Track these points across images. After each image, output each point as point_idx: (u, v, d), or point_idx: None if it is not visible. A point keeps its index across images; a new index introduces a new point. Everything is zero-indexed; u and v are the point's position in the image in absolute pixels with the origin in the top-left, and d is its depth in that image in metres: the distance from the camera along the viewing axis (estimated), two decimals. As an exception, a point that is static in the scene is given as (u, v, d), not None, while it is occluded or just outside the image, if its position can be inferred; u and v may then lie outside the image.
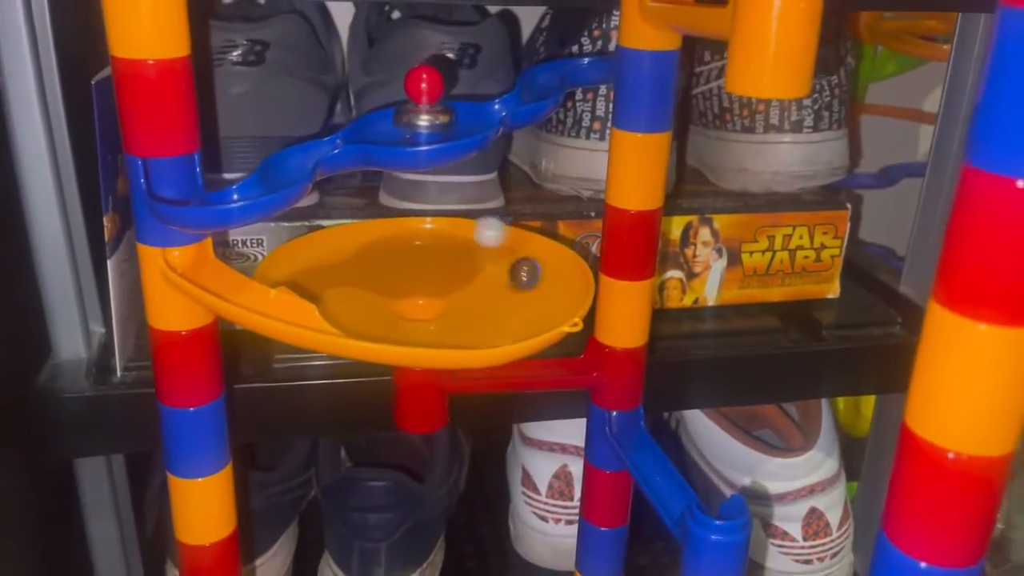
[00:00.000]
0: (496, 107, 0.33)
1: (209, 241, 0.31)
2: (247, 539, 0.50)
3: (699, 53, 0.51)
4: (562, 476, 0.54)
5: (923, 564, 0.21)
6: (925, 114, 0.71)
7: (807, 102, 0.47)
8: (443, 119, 0.31)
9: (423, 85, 0.31)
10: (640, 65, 0.32)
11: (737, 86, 0.25)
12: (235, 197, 0.28)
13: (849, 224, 0.50)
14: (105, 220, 0.38)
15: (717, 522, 0.30)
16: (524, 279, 0.35)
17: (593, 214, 0.46)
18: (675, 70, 0.33)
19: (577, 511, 0.54)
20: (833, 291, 0.51)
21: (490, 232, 0.37)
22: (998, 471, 0.19)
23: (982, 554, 0.21)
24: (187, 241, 0.30)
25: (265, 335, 0.29)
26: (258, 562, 0.51)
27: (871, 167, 0.72)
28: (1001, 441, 0.19)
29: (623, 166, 0.34)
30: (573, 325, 0.31)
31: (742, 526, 0.30)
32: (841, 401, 0.67)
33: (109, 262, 0.39)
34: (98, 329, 0.43)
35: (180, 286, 0.29)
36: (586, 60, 0.36)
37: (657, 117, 0.33)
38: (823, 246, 0.49)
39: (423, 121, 0.31)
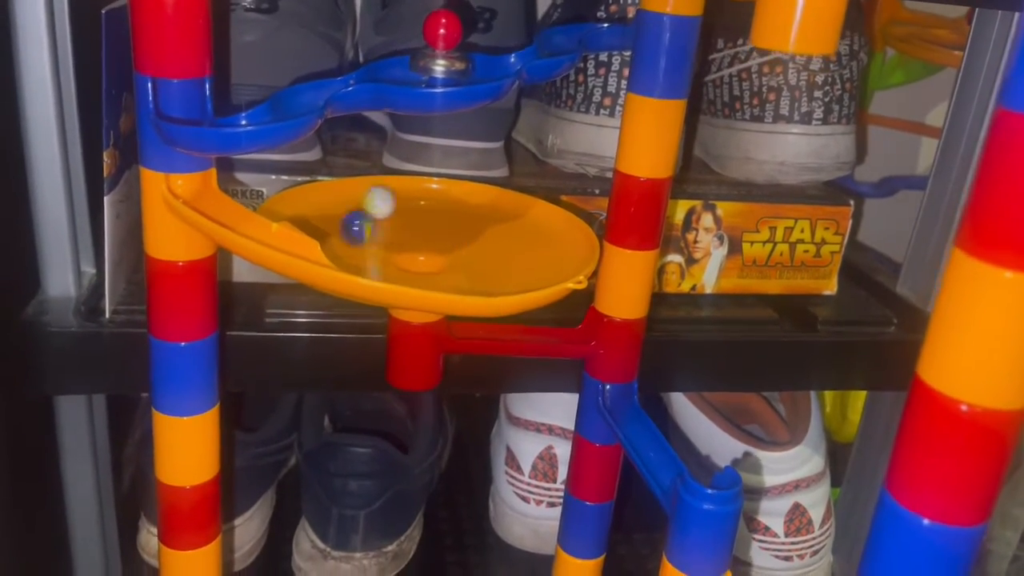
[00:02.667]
0: (512, 60, 0.33)
1: (214, 171, 0.30)
2: (226, 499, 0.49)
3: (712, 40, 0.51)
4: (547, 457, 0.54)
5: (926, 520, 0.20)
6: (928, 127, 0.71)
7: (818, 94, 0.47)
8: (460, 66, 0.31)
9: (441, 31, 0.30)
10: (660, 29, 0.32)
11: (763, 40, 0.25)
12: (244, 122, 0.28)
13: (851, 222, 0.50)
14: (105, 155, 0.38)
15: (709, 491, 0.30)
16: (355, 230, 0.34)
17: (598, 191, 0.46)
18: (695, 37, 0.33)
19: (560, 494, 0.54)
20: (830, 288, 0.51)
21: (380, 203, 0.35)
22: (1012, 426, 0.19)
23: (988, 514, 0.20)
24: (191, 168, 0.29)
25: (265, 267, 0.29)
26: (234, 523, 0.50)
27: (870, 176, 0.72)
28: (1017, 394, 0.19)
29: (636, 131, 0.34)
30: (578, 282, 0.31)
31: (734, 496, 0.30)
32: (827, 404, 0.67)
33: (106, 199, 0.38)
34: (89, 270, 0.42)
35: (182, 213, 0.29)
36: (605, 25, 0.36)
37: (674, 83, 0.33)
38: (824, 241, 0.49)
39: (439, 66, 0.30)
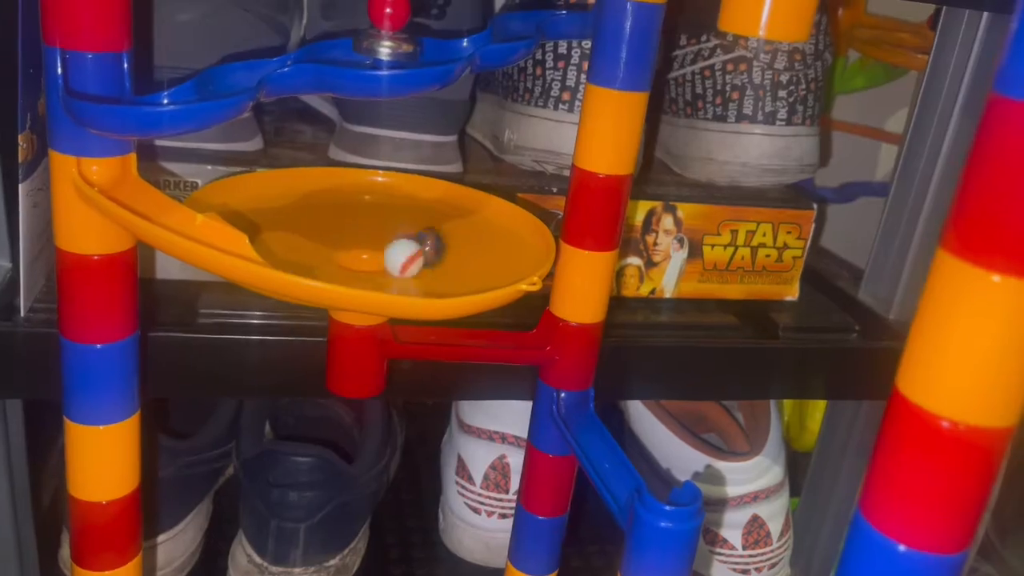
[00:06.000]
0: (465, 44, 0.31)
1: (133, 157, 0.27)
2: (151, 512, 0.46)
3: (674, 37, 0.49)
4: (499, 467, 0.52)
5: (902, 547, 0.19)
6: (887, 134, 0.71)
7: (782, 93, 0.46)
8: (407, 48, 0.28)
9: (388, 9, 0.28)
10: (622, 15, 0.30)
11: (731, 24, 0.23)
12: (165, 101, 0.25)
13: (814, 226, 0.48)
14: (20, 139, 0.34)
15: (667, 508, 0.28)
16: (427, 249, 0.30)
17: (555, 190, 0.44)
18: (658, 25, 0.31)
19: (512, 505, 0.51)
20: (792, 293, 0.49)
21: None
22: (997, 446, 0.18)
23: (969, 541, 0.19)
24: (108, 152, 0.27)
25: (188, 262, 0.26)
26: (162, 538, 0.47)
27: (830, 182, 0.72)
28: (1004, 410, 0.17)
29: (595, 124, 0.32)
30: (531, 284, 0.29)
31: (694, 513, 0.28)
32: (786, 413, 0.66)
33: (21, 187, 0.35)
34: (4, 264, 0.39)
35: (95, 201, 0.26)
36: (563, 12, 0.34)
37: (635, 74, 0.31)
38: (786, 246, 0.48)
39: (385, 48, 0.28)
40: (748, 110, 0.46)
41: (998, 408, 0.17)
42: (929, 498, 0.18)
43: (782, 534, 0.52)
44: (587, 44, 0.43)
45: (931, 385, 0.18)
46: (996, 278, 0.16)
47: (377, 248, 0.33)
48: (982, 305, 0.17)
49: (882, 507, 0.19)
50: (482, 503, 0.52)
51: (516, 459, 0.52)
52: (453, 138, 0.44)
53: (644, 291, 0.47)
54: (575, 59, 0.43)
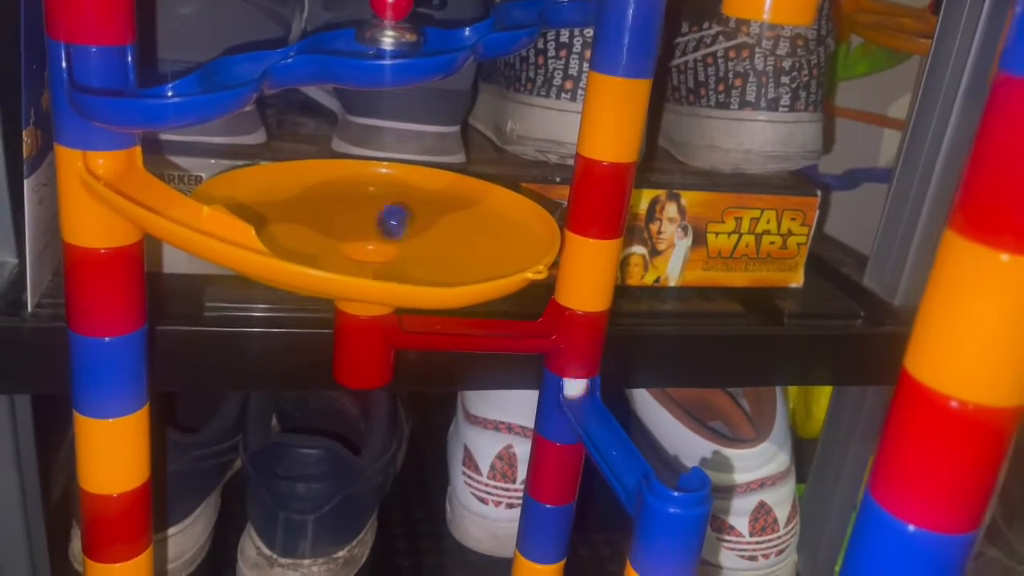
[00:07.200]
0: (467, 33, 0.31)
1: (138, 150, 0.27)
2: (161, 505, 0.46)
3: (676, 25, 0.49)
4: (505, 457, 0.52)
5: (911, 527, 0.19)
6: (890, 120, 0.70)
7: (785, 80, 0.46)
8: (410, 38, 0.28)
9: (390, -1, 0.28)
10: (625, 2, 0.30)
11: (735, 8, 0.23)
12: (170, 93, 0.25)
13: (818, 213, 0.48)
14: (24, 134, 0.35)
15: (675, 494, 0.28)
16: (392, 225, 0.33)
17: (559, 179, 0.44)
18: (661, 12, 0.31)
19: (519, 495, 0.52)
20: (796, 280, 0.49)
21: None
22: (1006, 425, 0.18)
23: (979, 521, 0.19)
24: (113, 145, 0.27)
25: (195, 254, 0.26)
26: (172, 531, 0.47)
27: (834, 168, 0.71)
28: (1013, 390, 0.17)
29: (599, 112, 0.32)
30: (537, 272, 0.29)
31: (702, 499, 0.28)
32: (791, 399, 0.66)
33: (26, 183, 0.35)
34: (10, 260, 0.39)
35: (102, 195, 0.26)
36: (566, 0, 0.34)
37: (639, 61, 0.31)
38: (790, 232, 0.48)
39: (388, 37, 0.28)
40: (751, 97, 0.46)
41: (1007, 388, 0.17)
42: (938, 478, 0.18)
43: (789, 520, 0.52)
44: (589, 32, 0.43)
45: (940, 365, 0.18)
46: (1004, 257, 0.16)
47: (383, 239, 0.33)
48: (990, 285, 0.17)
49: (891, 488, 0.19)
50: (489, 493, 0.52)
51: (522, 449, 0.52)
52: (456, 128, 0.44)
53: (648, 279, 0.47)
54: (577, 47, 0.43)
